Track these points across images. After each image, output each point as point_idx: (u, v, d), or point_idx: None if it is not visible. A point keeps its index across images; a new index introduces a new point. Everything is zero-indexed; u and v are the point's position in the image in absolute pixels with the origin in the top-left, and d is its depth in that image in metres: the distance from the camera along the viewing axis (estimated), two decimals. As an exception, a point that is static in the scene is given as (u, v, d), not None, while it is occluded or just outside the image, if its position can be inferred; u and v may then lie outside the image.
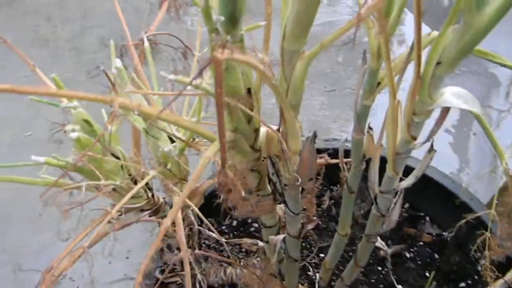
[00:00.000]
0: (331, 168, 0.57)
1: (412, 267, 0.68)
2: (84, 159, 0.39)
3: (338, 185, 0.74)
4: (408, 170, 0.45)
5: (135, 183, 0.47)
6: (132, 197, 0.50)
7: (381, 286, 0.66)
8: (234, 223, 0.74)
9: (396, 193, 0.49)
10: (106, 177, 0.43)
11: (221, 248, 0.71)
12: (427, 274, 0.66)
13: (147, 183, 0.51)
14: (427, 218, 0.71)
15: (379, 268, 0.68)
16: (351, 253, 0.68)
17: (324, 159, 0.55)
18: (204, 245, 0.70)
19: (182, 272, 0.65)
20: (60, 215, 0.39)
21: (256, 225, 0.74)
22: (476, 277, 0.64)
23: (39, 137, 1.27)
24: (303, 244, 0.71)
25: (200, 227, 0.60)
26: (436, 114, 0.38)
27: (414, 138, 0.39)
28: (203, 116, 0.43)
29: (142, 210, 0.52)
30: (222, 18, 0.25)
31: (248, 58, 0.21)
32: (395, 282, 0.66)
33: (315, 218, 0.71)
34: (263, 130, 0.40)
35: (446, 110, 0.37)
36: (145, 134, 0.42)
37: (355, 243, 0.64)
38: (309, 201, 0.64)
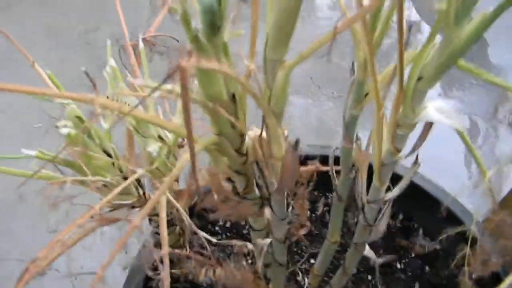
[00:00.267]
0: (327, 175, 0.57)
1: (402, 277, 0.68)
2: (74, 155, 0.40)
3: (333, 192, 0.75)
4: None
5: (126, 180, 0.48)
6: (123, 194, 0.51)
7: (370, 295, 0.66)
8: (228, 224, 0.74)
9: (384, 204, 0.49)
10: (97, 173, 0.44)
11: (213, 248, 0.71)
12: (417, 286, 0.66)
13: (139, 181, 0.52)
14: (420, 231, 0.71)
15: (369, 277, 0.68)
16: (342, 261, 0.68)
17: (315, 166, 0.56)
18: (197, 245, 0.71)
19: (173, 270, 0.66)
20: (48, 207, 0.40)
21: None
22: (465, 291, 0.64)
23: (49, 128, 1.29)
24: (295, 250, 0.72)
25: (192, 227, 0.61)
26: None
27: (399, 150, 0.40)
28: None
29: (133, 207, 0.53)
30: (200, 26, 0.25)
31: (216, 66, 0.21)
32: (384, 292, 0.66)
33: (307, 224, 0.71)
34: (250, 134, 0.40)
35: (429, 124, 0.37)
36: (136, 132, 0.43)
37: (347, 251, 0.64)
38: (301, 206, 0.65)
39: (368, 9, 0.28)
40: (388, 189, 0.48)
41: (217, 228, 0.74)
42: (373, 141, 0.40)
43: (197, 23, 0.26)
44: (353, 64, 0.39)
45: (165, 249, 0.38)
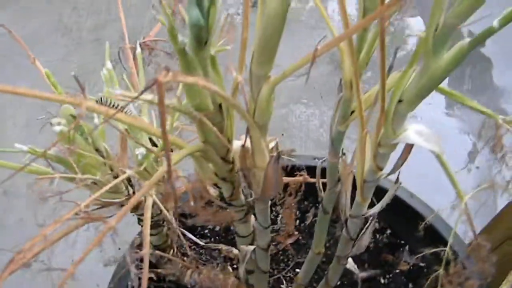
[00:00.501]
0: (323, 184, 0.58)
1: (385, 293, 0.68)
2: (66, 152, 0.41)
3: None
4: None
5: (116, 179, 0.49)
6: (113, 193, 0.53)
7: (352, 308, 0.67)
8: (217, 228, 0.75)
9: (366, 219, 0.50)
10: (87, 170, 0.45)
11: (201, 251, 0.72)
12: (399, 302, 0.67)
13: (129, 181, 0.54)
14: (407, 247, 0.71)
15: (352, 290, 0.69)
16: (326, 272, 0.69)
17: (303, 177, 0.57)
18: (185, 247, 0.72)
19: (158, 270, 0.67)
20: (37, 201, 0.41)
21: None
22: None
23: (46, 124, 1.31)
24: (281, 258, 0.73)
25: (181, 229, 0.62)
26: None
27: (381, 168, 0.41)
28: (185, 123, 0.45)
29: (122, 206, 0.54)
30: (186, 41, 0.26)
31: (194, 80, 0.22)
32: (366, 306, 0.66)
33: (295, 233, 0.72)
34: (237, 143, 0.41)
35: (410, 146, 0.38)
36: (127, 134, 0.44)
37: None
38: (289, 216, 0.65)
39: (353, 31, 0.29)
40: (373, 205, 0.49)
41: (206, 231, 0.75)
42: (357, 158, 0.41)
43: (184, 37, 0.27)
44: (340, 81, 0.40)
45: (146, 249, 0.39)
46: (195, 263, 0.64)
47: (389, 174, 0.41)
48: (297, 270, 0.71)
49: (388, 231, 0.74)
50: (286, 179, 0.58)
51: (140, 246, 0.56)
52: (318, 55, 0.27)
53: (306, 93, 1.55)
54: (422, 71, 0.30)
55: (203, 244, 0.63)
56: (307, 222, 0.76)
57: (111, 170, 0.49)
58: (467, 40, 0.27)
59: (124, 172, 0.46)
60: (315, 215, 0.77)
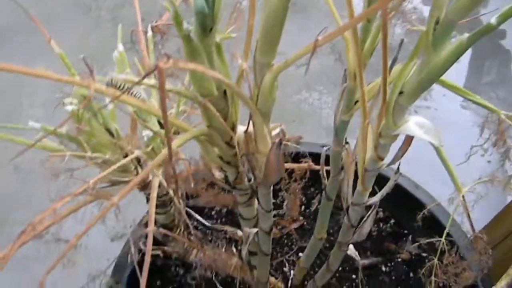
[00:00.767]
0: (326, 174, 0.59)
1: (385, 281, 0.70)
2: (77, 131, 0.43)
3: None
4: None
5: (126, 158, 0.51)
6: (122, 171, 0.54)
7: (352, 294, 0.68)
8: (224, 210, 0.77)
9: (367, 208, 0.51)
10: (98, 150, 0.47)
11: (207, 231, 0.74)
12: (399, 290, 0.68)
13: (138, 160, 0.55)
14: (410, 237, 0.72)
15: (353, 276, 0.70)
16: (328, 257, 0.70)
17: (307, 164, 0.58)
18: (191, 227, 0.74)
19: (165, 247, 0.69)
20: (49, 177, 0.43)
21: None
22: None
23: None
24: (285, 241, 0.74)
25: (187, 209, 0.64)
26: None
27: (382, 158, 0.41)
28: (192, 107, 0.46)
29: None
30: (191, 28, 0.27)
31: (194, 66, 0.23)
32: (366, 292, 0.68)
33: (299, 218, 0.74)
34: (241, 128, 0.42)
35: (410, 138, 0.38)
36: (136, 115, 0.46)
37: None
38: (294, 201, 0.67)
39: (355, 22, 0.30)
40: (375, 193, 0.50)
41: (213, 212, 0.77)
42: (358, 147, 0.42)
43: (190, 24, 0.28)
44: (345, 71, 0.40)
45: (151, 227, 0.41)
46: (200, 242, 0.66)
47: (389, 164, 0.41)
48: (300, 254, 0.73)
49: (392, 221, 0.75)
50: (291, 166, 0.59)
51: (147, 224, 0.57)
52: (320, 45, 0.27)
53: (320, 80, 1.55)
54: (423, 65, 0.30)
55: (209, 225, 0.65)
56: (312, 208, 0.77)
57: (121, 149, 0.51)
58: (466, 35, 0.27)
59: (133, 152, 0.48)
60: (320, 202, 0.78)
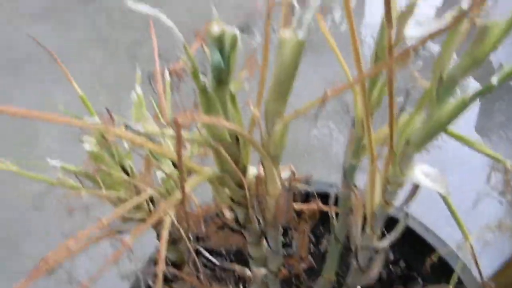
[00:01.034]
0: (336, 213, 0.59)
1: (395, 325, 0.68)
2: (93, 169, 0.44)
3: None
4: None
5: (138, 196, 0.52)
6: (135, 209, 0.56)
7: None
8: (233, 247, 0.77)
9: (376, 251, 0.51)
10: (112, 187, 0.49)
11: (215, 269, 0.74)
12: (408, 336, 0.67)
13: (151, 198, 0.56)
14: (420, 281, 0.71)
15: (362, 319, 0.69)
16: (337, 298, 0.70)
17: (316, 204, 0.58)
18: (200, 264, 0.74)
19: (174, 285, 0.69)
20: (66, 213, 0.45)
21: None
22: None
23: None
24: (293, 281, 0.74)
25: (197, 246, 0.64)
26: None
27: (390, 204, 0.42)
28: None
29: (143, 221, 0.56)
30: (207, 81, 0.29)
31: (209, 120, 0.25)
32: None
33: (308, 258, 0.73)
34: (252, 170, 0.43)
35: (417, 185, 0.39)
36: (151, 155, 0.47)
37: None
38: (302, 241, 0.67)
39: (362, 78, 0.31)
40: (384, 236, 0.50)
41: (222, 249, 0.77)
42: (366, 192, 0.42)
43: (205, 77, 0.30)
44: (354, 118, 0.42)
45: (161, 266, 0.42)
46: (209, 281, 0.66)
47: (397, 209, 0.42)
48: (309, 294, 0.72)
49: (402, 263, 0.74)
50: (300, 206, 0.60)
51: (156, 261, 0.58)
52: (328, 99, 0.29)
53: (332, 117, 1.56)
54: (427, 117, 0.32)
55: (218, 263, 0.65)
56: (322, 247, 0.77)
57: (135, 187, 0.52)
58: (469, 93, 0.28)
59: (146, 191, 0.49)
60: (329, 242, 0.78)
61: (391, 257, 0.76)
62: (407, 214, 0.43)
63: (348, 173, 0.46)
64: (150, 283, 0.67)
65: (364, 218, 0.50)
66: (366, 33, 1.82)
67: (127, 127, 0.36)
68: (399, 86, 0.37)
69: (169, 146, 0.45)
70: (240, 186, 0.43)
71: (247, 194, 0.45)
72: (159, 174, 0.49)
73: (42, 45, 0.51)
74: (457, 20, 0.26)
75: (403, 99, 0.39)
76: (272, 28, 0.33)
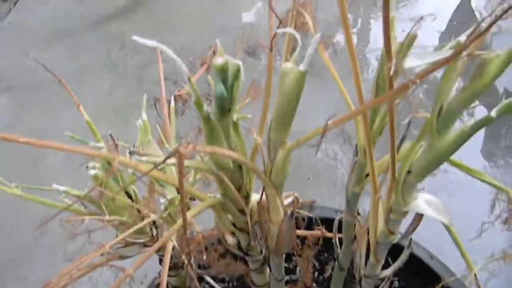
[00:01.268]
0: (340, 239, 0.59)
1: None
2: (97, 194, 0.45)
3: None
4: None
5: (143, 221, 0.52)
6: (137, 233, 0.56)
7: None
8: (237, 274, 0.77)
9: (381, 280, 0.50)
10: (116, 211, 0.49)
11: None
12: None
13: (154, 222, 0.57)
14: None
15: None
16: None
17: (320, 231, 0.58)
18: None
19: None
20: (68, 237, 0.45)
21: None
22: None
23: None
24: (297, 308, 0.73)
25: (199, 273, 0.64)
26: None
27: (393, 232, 0.42)
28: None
29: (145, 246, 0.56)
30: (210, 111, 0.30)
31: (212, 150, 0.25)
32: None
33: (312, 285, 0.72)
34: (255, 196, 0.44)
35: (420, 214, 0.39)
36: (154, 180, 0.47)
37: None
38: (306, 267, 0.66)
39: (362, 110, 0.32)
40: (389, 264, 0.49)
41: (224, 275, 0.77)
42: (370, 221, 0.42)
43: (209, 106, 0.31)
44: (356, 146, 0.42)
45: (163, 294, 0.41)
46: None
47: (400, 239, 0.41)
48: (312, 322, 0.71)
49: (407, 291, 0.73)
50: (304, 233, 0.59)
51: (158, 286, 0.58)
52: (329, 130, 0.29)
53: (336, 140, 1.57)
54: (428, 148, 0.32)
55: (220, 288, 0.65)
56: (326, 274, 0.76)
57: (138, 212, 0.52)
58: (469, 125, 0.29)
59: (149, 216, 0.49)
60: (334, 268, 0.77)
61: (396, 284, 0.75)
62: (410, 242, 0.43)
63: (351, 201, 0.46)
64: (152, 308, 0.67)
65: (368, 246, 0.49)
66: (371, 56, 1.84)
67: (131, 153, 0.36)
68: (402, 113, 0.38)
69: (173, 172, 0.45)
70: (243, 212, 0.43)
71: (250, 220, 0.45)
72: (162, 202, 0.49)
73: (51, 71, 0.52)
74: (456, 53, 0.26)
75: (405, 128, 0.39)
76: (276, 56, 0.34)
